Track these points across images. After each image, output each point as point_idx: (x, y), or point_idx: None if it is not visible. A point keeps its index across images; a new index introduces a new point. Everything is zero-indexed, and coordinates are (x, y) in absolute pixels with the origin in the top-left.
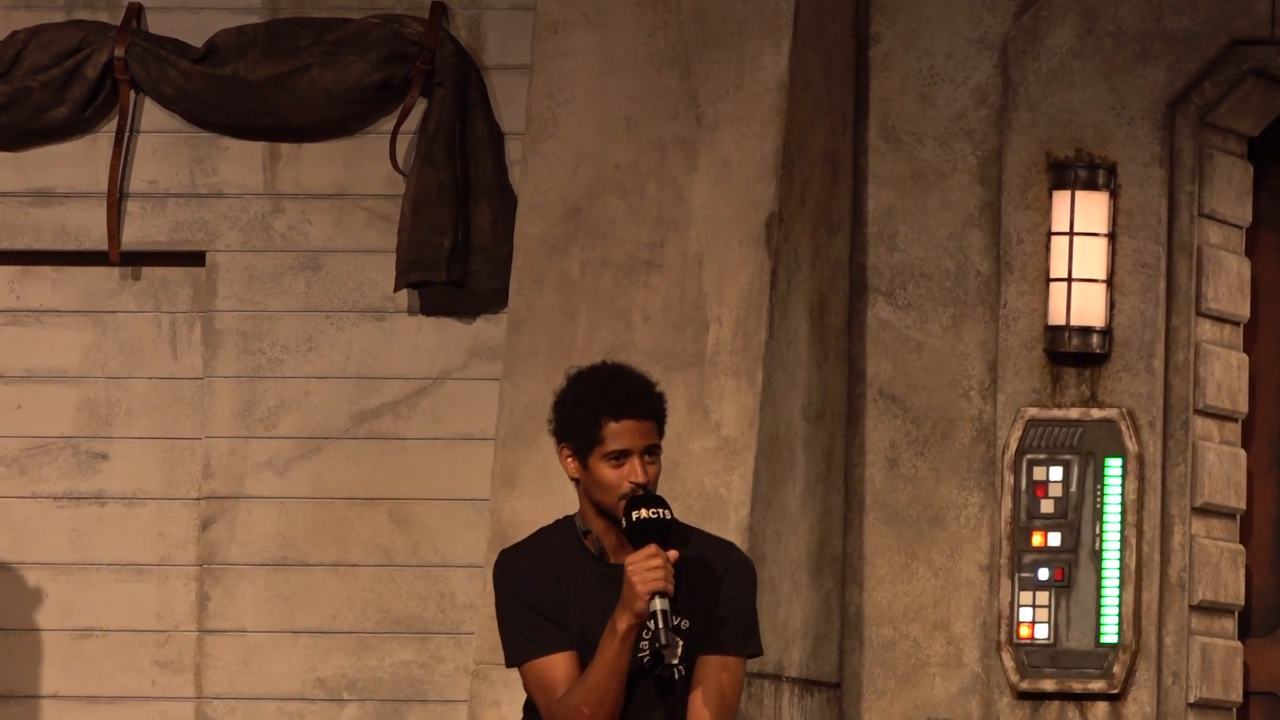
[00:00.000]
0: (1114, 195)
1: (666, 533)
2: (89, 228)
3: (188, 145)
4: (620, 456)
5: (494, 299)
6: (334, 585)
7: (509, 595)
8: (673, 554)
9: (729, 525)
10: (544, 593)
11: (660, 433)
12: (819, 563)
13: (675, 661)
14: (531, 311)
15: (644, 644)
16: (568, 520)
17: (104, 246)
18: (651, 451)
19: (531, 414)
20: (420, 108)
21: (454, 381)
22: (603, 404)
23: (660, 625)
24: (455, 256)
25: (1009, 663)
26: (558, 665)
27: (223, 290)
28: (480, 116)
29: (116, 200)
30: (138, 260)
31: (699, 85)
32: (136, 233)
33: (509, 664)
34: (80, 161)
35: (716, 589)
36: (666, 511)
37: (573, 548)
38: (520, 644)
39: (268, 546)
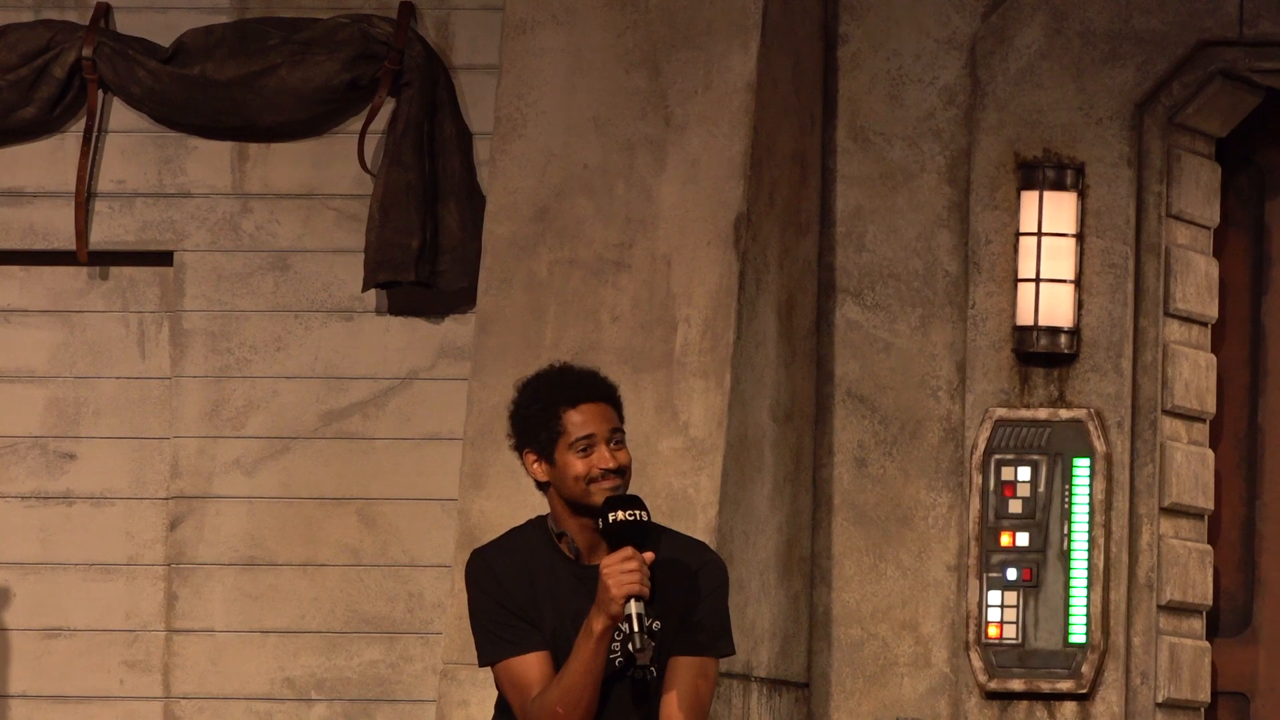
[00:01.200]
0: (1082, 195)
1: (643, 534)
2: (57, 227)
3: (156, 145)
4: (586, 444)
5: (462, 299)
6: (302, 585)
7: (482, 595)
8: (649, 556)
9: (697, 525)
10: (517, 592)
11: (621, 418)
12: (787, 563)
13: (648, 663)
14: (500, 311)
15: (615, 645)
16: (540, 521)
17: (72, 246)
18: (616, 435)
19: (500, 414)
20: (388, 108)
21: (422, 381)
22: (557, 396)
23: (635, 628)
24: (423, 257)
25: (977, 663)
26: (531, 665)
27: (191, 290)
28: (448, 116)
29: (84, 200)
30: (106, 260)
31: (667, 85)
32: (104, 232)
33: (482, 663)
34: (48, 161)
35: (689, 590)
36: (644, 513)
37: (546, 548)
38: (494, 643)
39: (236, 546)
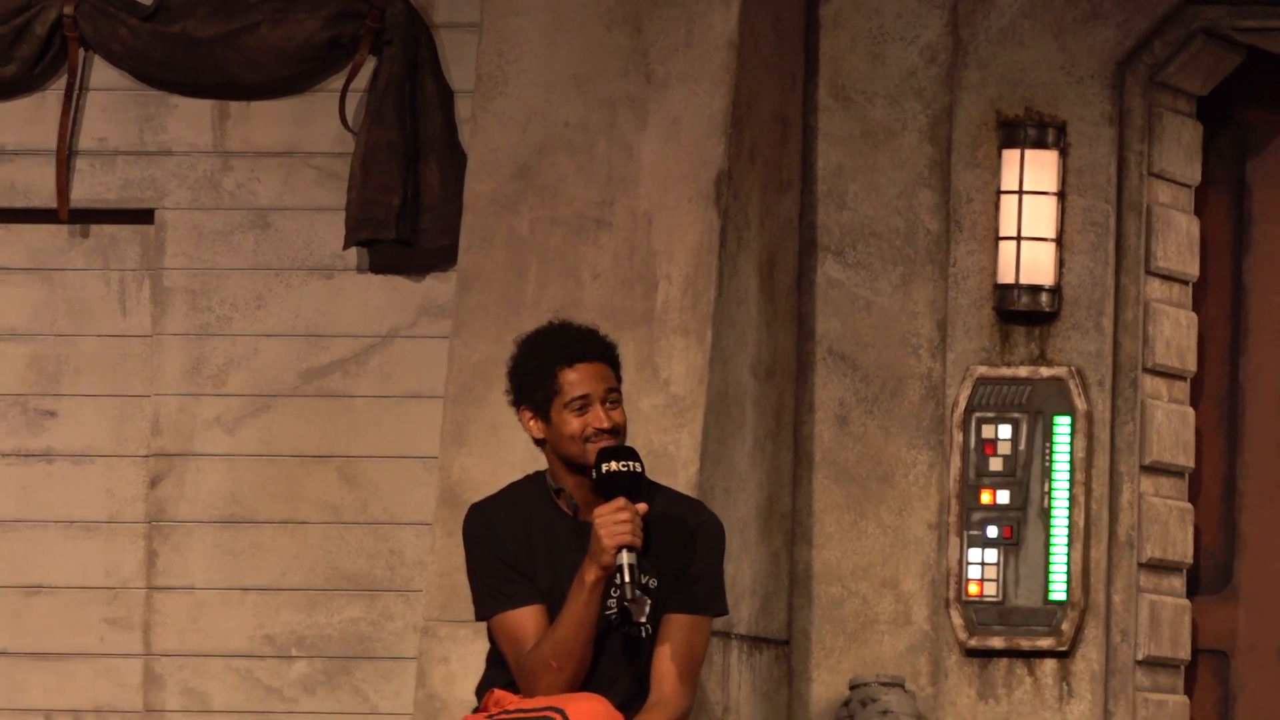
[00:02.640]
0: (1063, 154)
1: (636, 486)
2: (37, 185)
3: (136, 103)
4: (581, 403)
5: (443, 257)
6: (283, 542)
7: (479, 549)
8: (641, 507)
9: (678, 482)
10: (514, 547)
11: (618, 378)
12: (768, 520)
13: (643, 619)
14: (481, 269)
15: (611, 600)
16: (538, 476)
17: (53, 204)
18: (612, 395)
19: (481, 372)
20: (370, 66)
21: (403, 339)
22: (554, 354)
23: (627, 579)
24: (405, 214)
25: (957, 620)
26: (527, 619)
27: (171, 248)
28: (430, 75)
29: (65, 158)
30: (86, 218)
31: (648, 43)
32: (85, 190)
33: (479, 617)
34: (29, 119)
35: (685, 547)
36: (637, 464)
37: (543, 504)
38: (490, 597)
39: (216, 504)
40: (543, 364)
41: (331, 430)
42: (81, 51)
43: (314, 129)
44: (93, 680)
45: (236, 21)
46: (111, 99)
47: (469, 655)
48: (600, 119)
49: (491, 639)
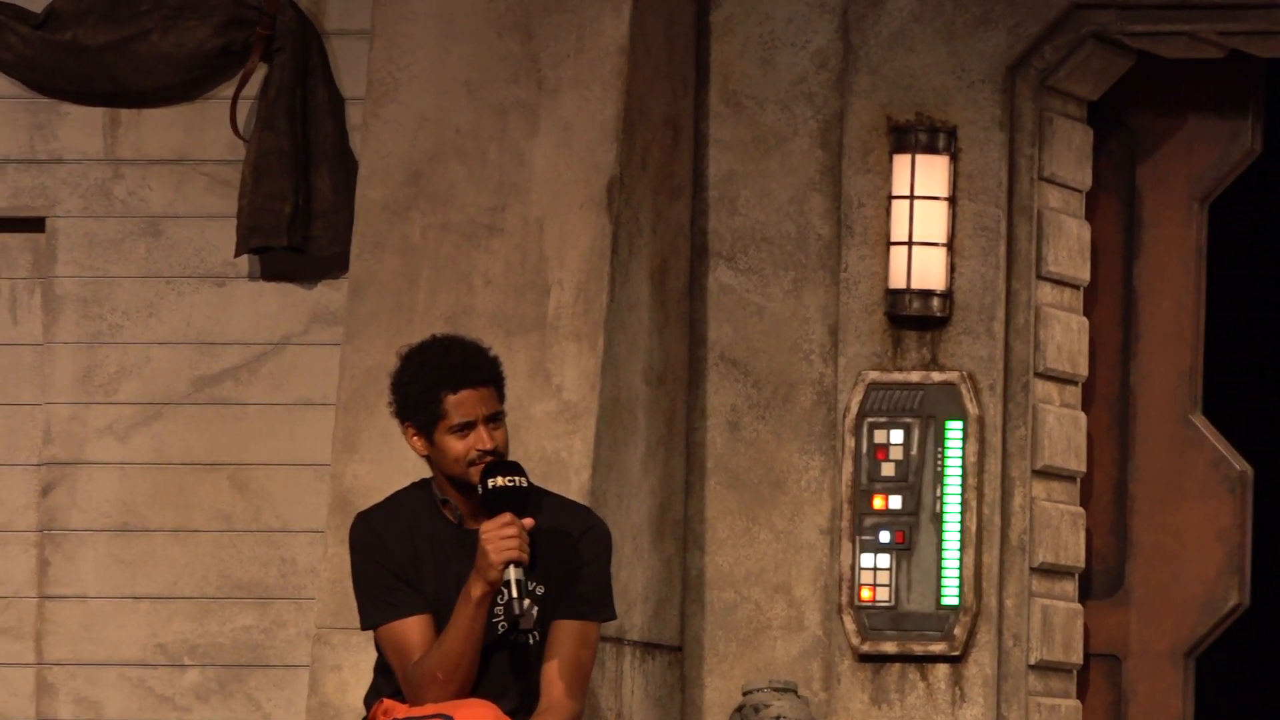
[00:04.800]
0: (954, 159)
1: (522, 500)
2: None
3: (27, 111)
4: (464, 427)
5: (335, 264)
6: (175, 551)
7: (364, 558)
8: (528, 522)
9: (570, 489)
10: (400, 556)
11: (501, 397)
12: (660, 526)
13: (531, 628)
14: (372, 276)
15: (499, 610)
16: (424, 484)
17: None
18: (495, 418)
19: (373, 379)
20: (261, 73)
21: (295, 347)
22: (438, 378)
23: (514, 594)
24: (296, 222)
25: (850, 625)
26: (413, 629)
27: (63, 256)
28: (321, 82)
29: None
30: None
31: (540, 49)
32: None
33: (364, 626)
34: None
35: (573, 554)
36: (523, 479)
37: (429, 512)
38: (376, 606)
39: (109, 512)
40: (427, 388)
41: (223, 438)
42: None
43: (205, 136)
44: None
45: (127, 29)
46: (2, 107)
47: (361, 663)
48: (492, 125)
49: (379, 648)
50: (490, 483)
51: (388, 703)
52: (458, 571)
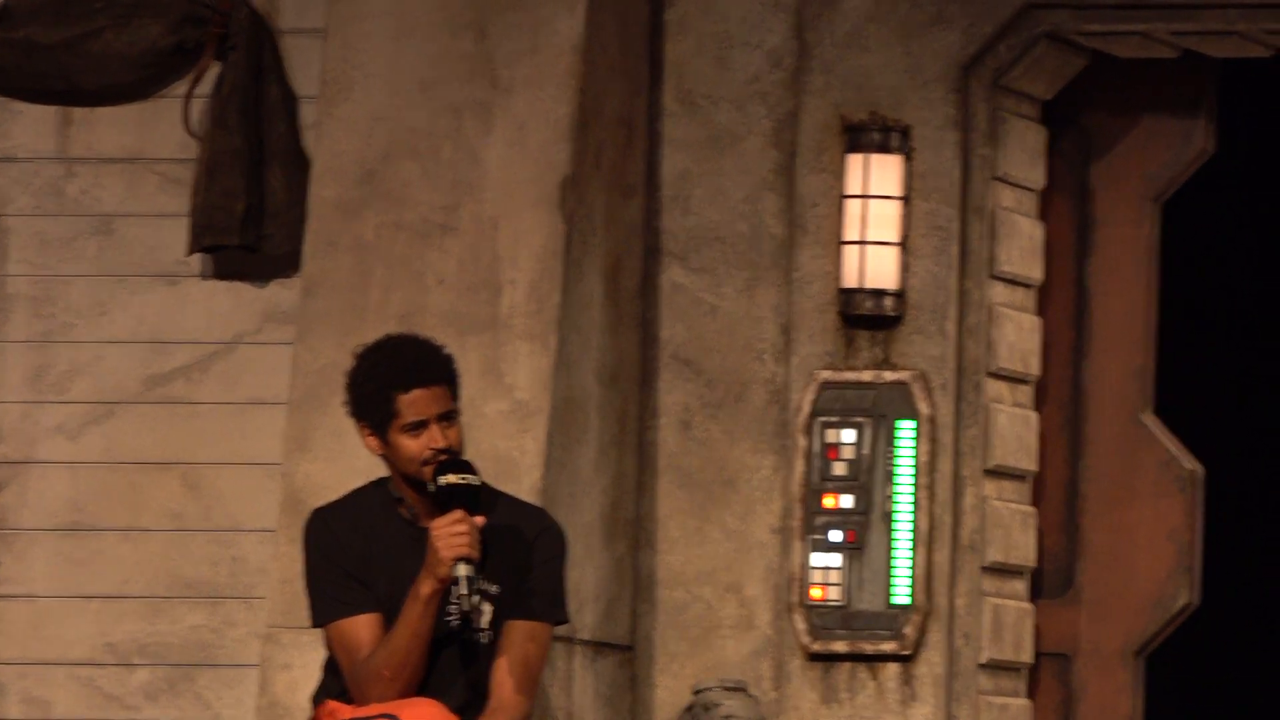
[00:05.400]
0: (908, 158)
1: (474, 498)
2: None
3: None
4: (416, 426)
5: (288, 263)
6: (125, 550)
7: (318, 554)
8: (479, 520)
9: (522, 488)
10: (353, 553)
11: (455, 395)
12: (612, 526)
13: (483, 626)
14: (325, 275)
15: (452, 607)
16: (381, 483)
17: None
18: (448, 416)
19: (325, 378)
20: (214, 71)
21: (247, 346)
22: (391, 378)
23: (464, 591)
24: (249, 220)
25: (801, 625)
26: (362, 627)
27: (14, 254)
28: (274, 80)
29: None
30: None
31: (494, 48)
32: None
33: (315, 623)
34: None
35: (526, 555)
36: (474, 477)
37: (385, 510)
38: (326, 603)
39: (59, 511)
40: (380, 387)
41: (175, 437)
42: None
43: (158, 135)
44: None
45: (80, 27)
46: None
47: (311, 662)
48: (445, 124)
49: (328, 645)
50: (442, 480)
51: (331, 704)
52: (412, 570)
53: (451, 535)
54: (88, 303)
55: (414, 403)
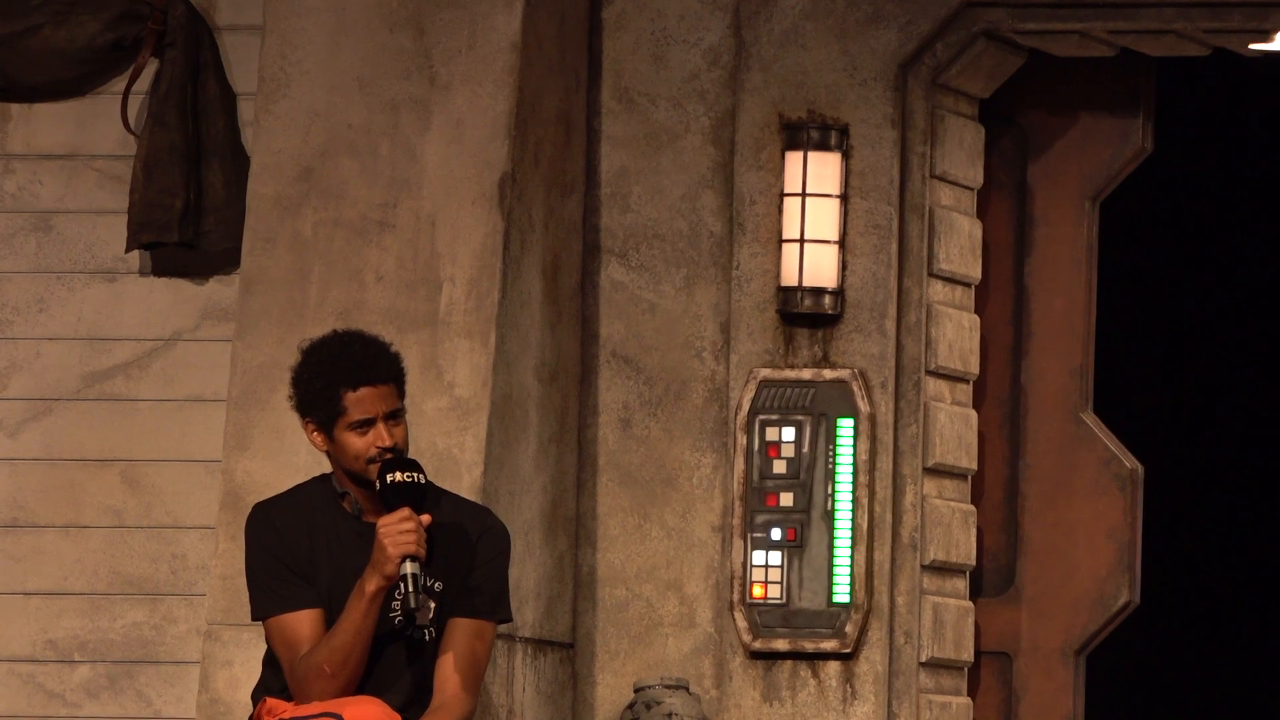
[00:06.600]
0: (846, 156)
1: (420, 496)
2: None
3: None
4: (363, 425)
5: (227, 260)
6: (65, 547)
7: (259, 548)
8: (425, 518)
9: (462, 485)
10: (295, 548)
11: (401, 394)
12: (552, 523)
13: (427, 623)
14: (264, 272)
15: (396, 604)
16: (325, 478)
17: None
18: (394, 415)
19: (264, 374)
20: (152, 68)
21: (186, 343)
22: (337, 375)
23: (410, 589)
24: (187, 217)
25: (742, 623)
26: (303, 622)
27: None
28: (212, 77)
29: None
30: None
31: (432, 45)
32: None
33: (255, 617)
34: None
35: (471, 553)
36: (420, 475)
37: (328, 505)
38: (267, 598)
39: None
40: (326, 385)
41: (114, 434)
42: None
43: (96, 131)
44: None
45: (18, 23)
46: None
47: (252, 659)
48: (383, 121)
49: (268, 640)
50: (389, 478)
51: (271, 702)
52: (356, 565)
53: (399, 533)
54: (26, 299)
55: (361, 401)
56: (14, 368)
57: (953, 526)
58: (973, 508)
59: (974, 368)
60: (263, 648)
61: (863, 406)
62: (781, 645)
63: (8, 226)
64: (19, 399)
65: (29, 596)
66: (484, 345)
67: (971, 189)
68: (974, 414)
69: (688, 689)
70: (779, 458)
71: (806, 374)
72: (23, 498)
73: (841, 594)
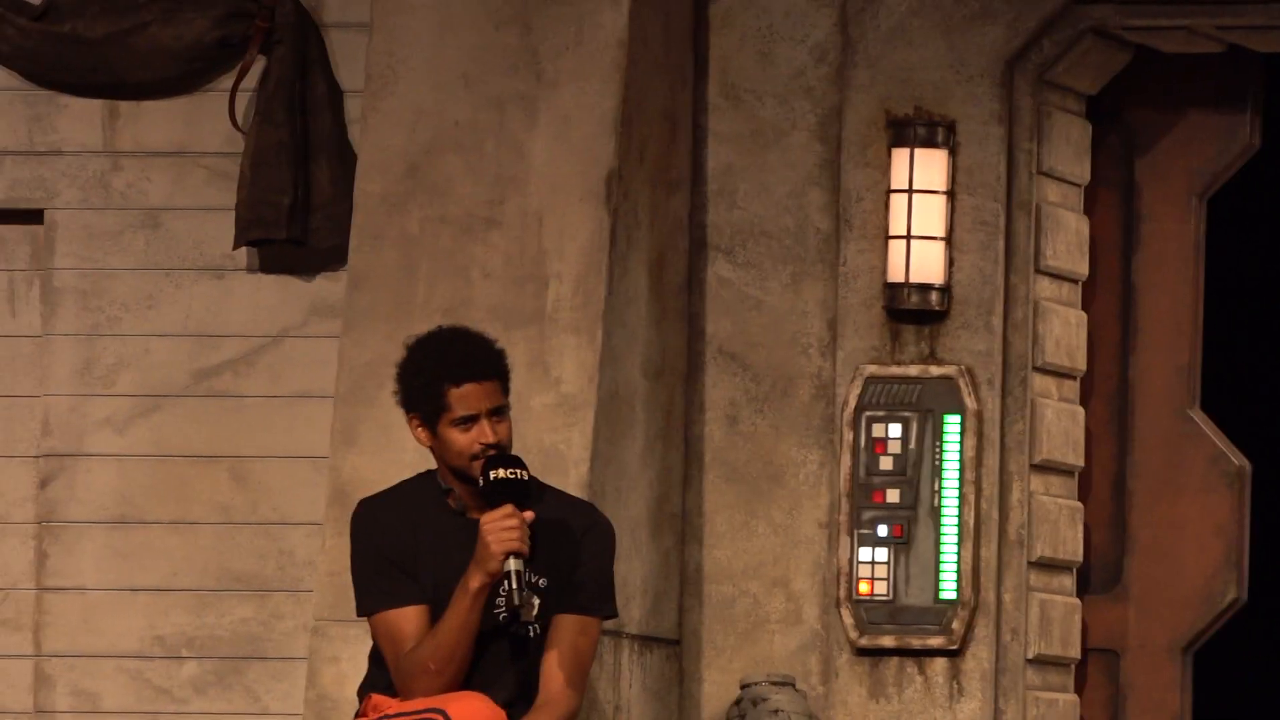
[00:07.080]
0: (953, 153)
1: (524, 493)
2: None
3: (25, 103)
4: (467, 421)
5: (333, 256)
6: (173, 543)
7: (365, 544)
8: (528, 515)
9: (568, 482)
10: (400, 544)
11: (505, 390)
12: (658, 520)
13: (531, 620)
14: (371, 269)
15: (500, 601)
16: (430, 475)
17: None
18: (498, 412)
19: (371, 371)
20: (259, 65)
21: (293, 339)
22: (442, 371)
23: (514, 586)
24: (295, 214)
25: (848, 619)
26: (408, 618)
27: (61, 248)
28: (319, 74)
29: None
30: None
31: (538, 42)
32: None
33: (360, 613)
34: None
35: (575, 549)
36: (524, 472)
37: (434, 502)
38: (372, 594)
39: (107, 504)
40: (430, 380)
41: (222, 430)
42: None
43: (204, 129)
44: None
45: (126, 21)
46: (0, 99)
47: (359, 655)
48: (489, 118)
49: (373, 636)
50: (492, 474)
51: (376, 698)
52: (460, 561)
53: (502, 530)
54: (134, 296)
55: (465, 397)
56: (122, 364)
57: (1059, 523)
58: (1080, 504)
59: (1081, 364)
60: (369, 644)
61: (969, 403)
62: (888, 642)
63: (117, 224)
64: (128, 396)
65: (137, 593)
66: (590, 342)
67: (1079, 185)
68: (1081, 410)
69: (794, 686)
70: (885, 454)
71: (913, 370)
72: (131, 494)
73: (948, 590)
